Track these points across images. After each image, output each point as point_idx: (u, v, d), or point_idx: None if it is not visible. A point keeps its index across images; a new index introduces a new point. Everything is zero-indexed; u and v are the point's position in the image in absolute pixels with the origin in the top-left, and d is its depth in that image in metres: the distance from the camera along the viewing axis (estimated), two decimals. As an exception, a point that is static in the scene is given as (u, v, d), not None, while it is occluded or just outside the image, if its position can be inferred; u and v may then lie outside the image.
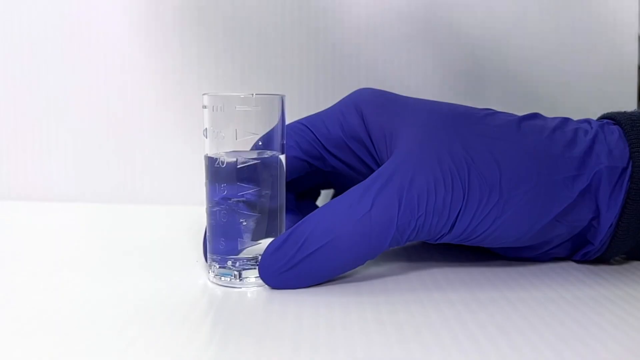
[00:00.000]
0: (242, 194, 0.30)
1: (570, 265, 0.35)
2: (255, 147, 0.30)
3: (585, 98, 0.49)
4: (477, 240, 0.32)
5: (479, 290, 0.31)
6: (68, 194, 0.52)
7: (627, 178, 0.32)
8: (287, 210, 0.33)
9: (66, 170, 0.52)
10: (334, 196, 0.43)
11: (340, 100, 0.37)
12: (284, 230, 0.31)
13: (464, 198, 0.30)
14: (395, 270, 0.34)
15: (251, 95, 0.30)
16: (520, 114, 0.34)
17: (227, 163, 0.30)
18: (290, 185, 0.36)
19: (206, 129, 0.30)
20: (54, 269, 0.33)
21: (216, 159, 0.30)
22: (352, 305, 0.28)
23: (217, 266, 0.31)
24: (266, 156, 0.30)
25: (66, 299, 0.28)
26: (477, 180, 0.30)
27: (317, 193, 0.42)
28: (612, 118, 0.35)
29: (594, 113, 0.38)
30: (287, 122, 0.32)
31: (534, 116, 0.34)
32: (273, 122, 0.30)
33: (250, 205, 0.30)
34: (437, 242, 0.32)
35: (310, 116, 0.37)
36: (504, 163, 0.31)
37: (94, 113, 0.51)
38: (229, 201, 0.30)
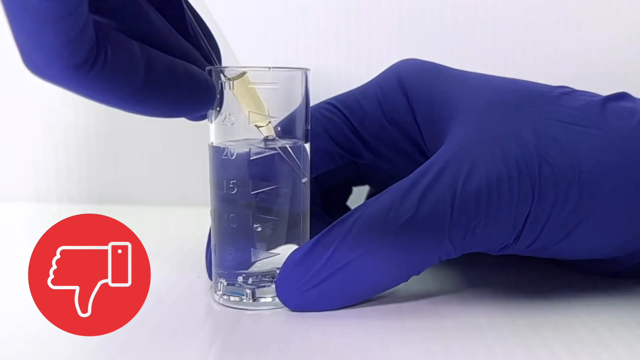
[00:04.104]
0: (256, 193, 0.29)
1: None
2: (273, 134, 0.30)
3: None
4: (550, 252, 0.31)
5: (552, 312, 0.30)
6: (66, 195, 0.53)
7: None
8: (312, 213, 0.32)
9: (65, 170, 0.53)
10: (370, 195, 0.42)
11: (380, 75, 0.36)
12: (307, 238, 0.31)
13: (533, 198, 0.29)
14: (447, 288, 0.33)
15: (267, 69, 0.29)
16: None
17: (238, 154, 0.29)
18: (315, 182, 0.36)
19: (211, 112, 0.29)
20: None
21: (224, 149, 0.29)
22: (393, 332, 0.27)
23: (225, 283, 0.30)
24: (286, 145, 0.29)
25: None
26: (550, 175, 0.29)
27: (348, 191, 0.41)
28: None
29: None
30: (313, 102, 0.31)
31: (621, 96, 0.32)
32: (295, 102, 0.29)
33: (266, 207, 0.29)
34: (500, 253, 0.31)
35: (341, 95, 0.36)
36: (585, 154, 0.29)
37: (91, 108, 0.52)
38: (240, 202, 0.29)
